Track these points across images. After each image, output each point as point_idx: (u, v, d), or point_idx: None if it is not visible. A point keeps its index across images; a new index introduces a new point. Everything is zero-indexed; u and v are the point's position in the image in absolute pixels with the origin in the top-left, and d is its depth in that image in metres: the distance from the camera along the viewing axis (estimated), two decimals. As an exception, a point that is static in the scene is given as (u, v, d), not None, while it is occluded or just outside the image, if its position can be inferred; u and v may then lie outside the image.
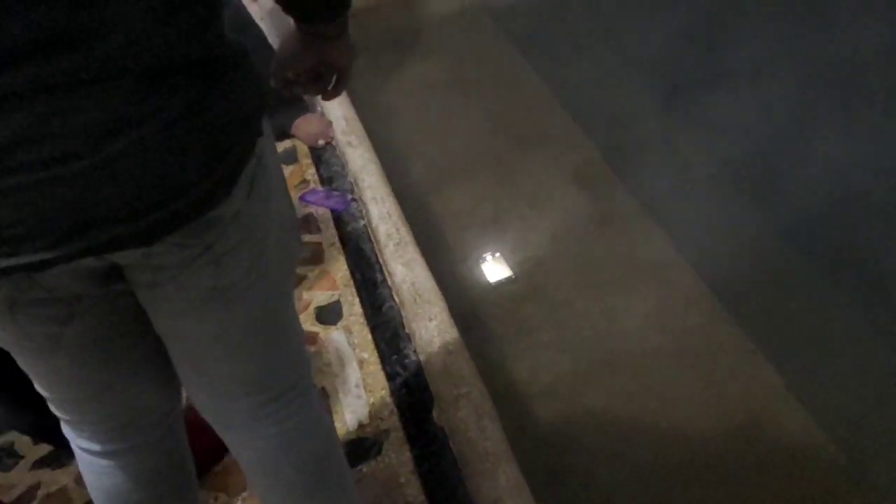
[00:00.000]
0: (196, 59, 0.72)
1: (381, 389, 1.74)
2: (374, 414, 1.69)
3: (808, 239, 2.09)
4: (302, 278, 2.06)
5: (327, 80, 1.10)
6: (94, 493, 1.13)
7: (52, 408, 1.04)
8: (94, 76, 0.66)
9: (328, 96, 1.13)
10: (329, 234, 2.21)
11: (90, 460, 1.10)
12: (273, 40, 2.49)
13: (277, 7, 0.97)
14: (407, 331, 1.85)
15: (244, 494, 1.55)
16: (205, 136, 0.74)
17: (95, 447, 1.08)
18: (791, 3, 2.40)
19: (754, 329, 1.88)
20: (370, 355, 1.82)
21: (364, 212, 2.22)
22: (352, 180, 2.35)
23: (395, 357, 1.80)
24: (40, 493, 1.62)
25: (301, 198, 2.33)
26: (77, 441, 1.09)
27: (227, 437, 1.12)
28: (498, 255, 2.25)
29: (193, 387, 1.04)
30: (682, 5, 3.15)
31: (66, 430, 1.09)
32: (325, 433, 1.15)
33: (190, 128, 0.72)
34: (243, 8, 2.33)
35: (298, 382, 1.08)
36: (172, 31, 0.69)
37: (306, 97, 2.61)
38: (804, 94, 2.33)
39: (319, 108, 2.65)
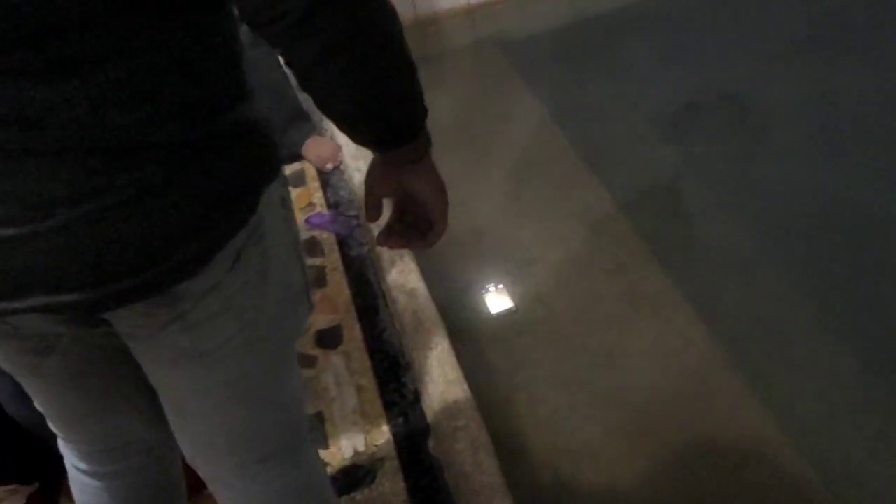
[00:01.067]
0: (167, 141, 0.69)
1: (377, 417, 1.74)
2: (370, 441, 1.69)
3: (814, 283, 2.11)
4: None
5: (418, 220, 0.95)
6: None
7: (48, 423, 1.05)
8: (48, 149, 0.64)
9: (416, 244, 0.95)
10: (333, 259, 2.22)
11: (78, 477, 1.11)
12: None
13: None
14: (407, 359, 1.85)
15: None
16: (163, 218, 0.70)
17: (83, 466, 1.08)
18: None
19: (751, 372, 1.88)
20: (368, 382, 1.82)
21: (369, 237, 2.23)
22: (358, 205, 2.36)
23: (393, 385, 1.80)
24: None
25: (306, 221, 2.34)
26: (68, 457, 1.10)
27: (211, 488, 1.10)
28: (500, 286, 2.26)
29: (178, 434, 1.02)
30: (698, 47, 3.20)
31: (60, 445, 1.10)
32: (317, 494, 1.13)
33: (146, 208, 0.69)
34: (283, 75, 2.33)
35: (289, 443, 1.05)
36: (140, 114, 0.66)
37: (315, 119, 2.63)
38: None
39: (329, 132, 2.67)
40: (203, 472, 1.07)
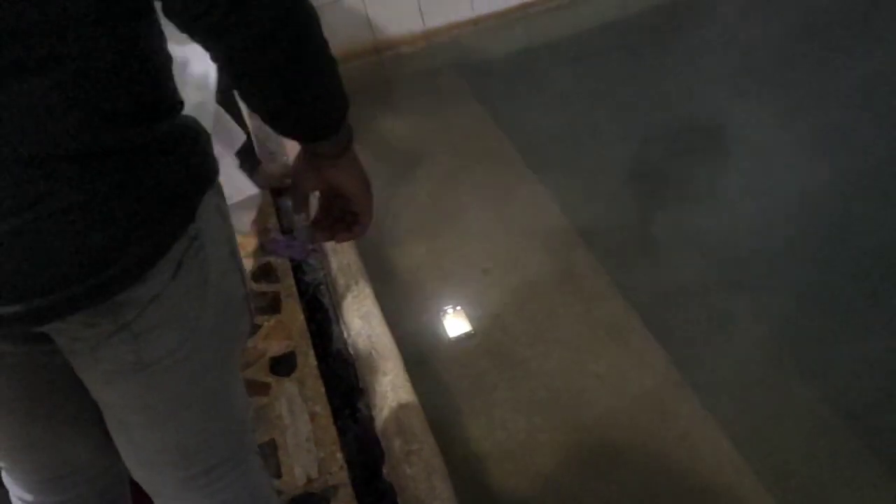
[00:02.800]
0: (103, 149, 0.70)
1: (331, 444, 1.71)
2: (324, 469, 1.66)
3: (771, 305, 2.13)
4: (257, 327, 2.04)
5: (344, 213, 0.99)
6: None
7: None
8: None
9: (342, 237, 1.01)
10: (287, 284, 2.19)
11: None
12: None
13: None
14: (361, 385, 1.83)
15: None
16: (102, 226, 0.72)
17: (29, 498, 1.06)
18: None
19: (706, 393, 1.89)
20: (322, 409, 1.80)
21: (323, 263, 2.22)
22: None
23: (347, 411, 1.79)
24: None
25: (260, 246, 2.32)
26: (12, 488, 1.07)
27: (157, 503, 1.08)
28: (458, 309, 2.25)
29: (122, 451, 1.01)
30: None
31: (3, 477, 1.07)
32: None
33: (83, 216, 0.70)
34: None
35: (234, 456, 1.04)
36: (74, 122, 0.68)
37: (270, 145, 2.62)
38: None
39: (285, 158, 2.66)
40: (148, 488, 1.05)
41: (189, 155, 0.80)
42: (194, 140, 0.82)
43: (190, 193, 0.80)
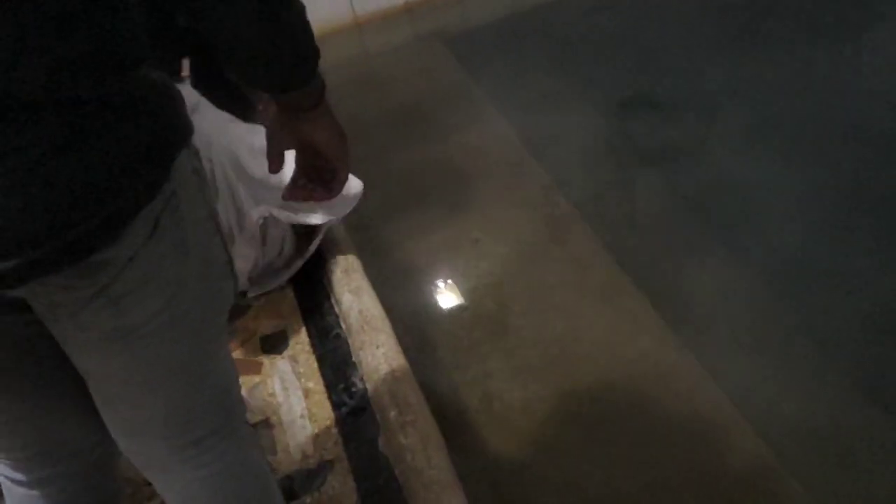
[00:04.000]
0: (73, 98, 0.68)
1: (326, 419, 1.70)
2: (319, 444, 1.65)
3: (767, 265, 2.11)
4: (247, 308, 2.02)
5: (321, 171, 0.98)
6: None
7: None
8: None
9: (320, 195, 1.00)
10: (276, 262, 2.17)
11: (11, 488, 1.06)
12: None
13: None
14: (354, 359, 1.82)
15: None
16: (74, 181, 0.69)
17: (15, 475, 1.04)
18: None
19: (703, 352, 1.88)
20: (316, 384, 1.78)
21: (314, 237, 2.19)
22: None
23: (341, 386, 1.77)
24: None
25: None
26: (0, 468, 1.05)
27: (149, 477, 1.07)
28: (449, 281, 2.24)
29: (108, 423, 0.99)
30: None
31: None
32: (256, 476, 1.10)
33: (54, 170, 0.68)
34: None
35: (223, 425, 1.02)
36: (43, 68, 0.65)
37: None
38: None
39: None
40: (137, 460, 1.04)
41: (161, 111, 0.78)
42: (167, 96, 0.80)
43: (164, 149, 0.78)
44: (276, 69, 0.86)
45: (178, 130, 0.81)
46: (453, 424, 1.77)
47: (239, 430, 1.06)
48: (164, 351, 0.89)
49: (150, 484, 1.48)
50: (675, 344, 1.92)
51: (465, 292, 2.19)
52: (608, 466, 1.69)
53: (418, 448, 1.51)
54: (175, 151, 0.80)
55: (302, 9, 0.84)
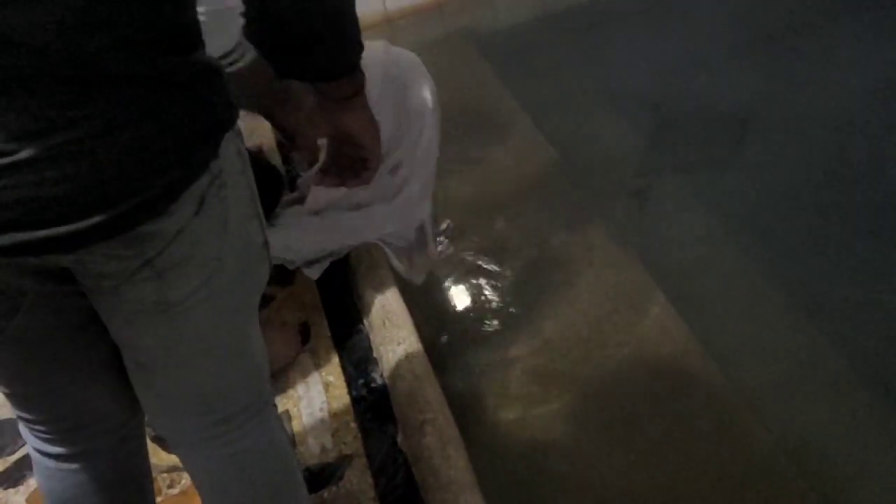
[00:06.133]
0: (131, 73, 0.71)
1: (345, 414, 1.70)
2: (338, 439, 1.65)
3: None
4: (271, 298, 2.02)
5: (352, 160, 1.04)
6: (45, 496, 1.11)
7: (10, 403, 1.03)
8: (21, 76, 0.66)
9: (352, 183, 1.07)
10: (300, 255, 2.17)
11: (42, 461, 1.08)
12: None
13: None
14: (375, 355, 1.81)
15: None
16: (131, 152, 0.72)
17: (47, 448, 1.06)
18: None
19: (725, 362, 1.86)
20: (336, 379, 1.78)
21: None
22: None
23: (361, 381, 1.77)
24: (-11, 513, 1.57)
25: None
26: (30, 440, 1.07)
27: (178, 455, 1.10)
28: (473, 280, 2.23)
29: (143, 399, 1.02)
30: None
31: (21, 428, 1.08)
32: (281, 456, 1.12)
33: (114, 141, 0.71)
34: None
35: (253, 403, 1.05)
36: (103, 43, 0.68)
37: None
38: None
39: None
40: (167, 435, 1.07)
41: (213, 91, 0.81)
42: (218, 77, 0.83)
43: (213, 130, 0.81)
44: (324, 59, 0.92)
45: (227, 111, 0.84)
46: (474, 425, 1.77)
47: (267, 409, 1.08)
48: (200, 326, 0.91)
49: (169, 471, 1.51)
50: (698, 350, 1.90)
51: (488, 292, 2.18)
52: (626, 470, 1.68)
53: (437, 447, 1.50)
54: (223, 132, 0.83)
55: (353, 4, 0.90)
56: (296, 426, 1.69)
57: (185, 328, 0.90)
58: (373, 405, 1.70)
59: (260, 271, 1.00)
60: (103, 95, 0.69)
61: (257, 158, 1.81)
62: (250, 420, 1.04)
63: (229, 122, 0.85)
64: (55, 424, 1.04)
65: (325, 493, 1.54)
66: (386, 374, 1.74)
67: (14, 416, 1.07)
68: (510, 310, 2.12)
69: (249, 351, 1.02)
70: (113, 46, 0.69)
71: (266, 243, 1.00)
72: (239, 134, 0.91)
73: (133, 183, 0.73)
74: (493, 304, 2.14)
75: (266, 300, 2.02)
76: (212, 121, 0.81)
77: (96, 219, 0.72)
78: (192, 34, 0.79)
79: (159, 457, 1.61)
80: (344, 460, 1.59)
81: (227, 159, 0.85)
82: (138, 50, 0.71)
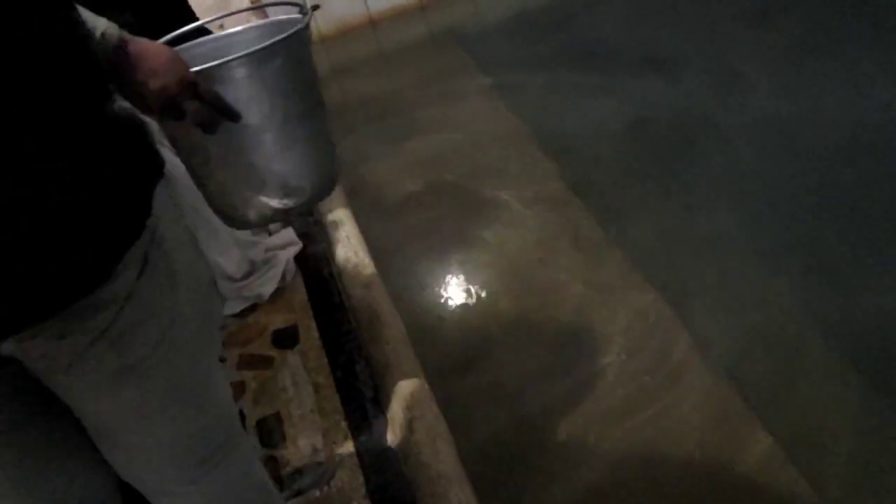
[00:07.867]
0: (47, 139, 0.67)
1: (335, 413, 1.71)
2: (329, 439, 1.66)
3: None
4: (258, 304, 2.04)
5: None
6: None
7: None
8: None
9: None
10: (288, 258, 2.18)
11: None
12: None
13: None
14: (363, 353, 1.82)
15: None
16: (53, 228, 0.68)
17: None
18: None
19: (713, 347, 1.88)
20: (325, 379, 1.79)
21: (324, 235, 2.20)
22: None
23: (350, 381, 1.78)
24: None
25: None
26: None
27: (153, 501, 1.05)
28: (460, 278, 2.24)
29: (108, 457, 0.97)
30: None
31: None
32: (256, 486, 1.11)
33: (34, 217, 0.67)
34: None
35: (227, 440, 1.03)
36: (21, 108, 0.65)
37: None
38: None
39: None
40: (143, 487, 1.02)
41: (137, 144, 0.79)
42: (140, 129, 0.80)
43: (144, 184, 0.79)
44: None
45: (154, 162, 0.81)
46: (462, 420, 1.78)
47: (241, 442, 1.06)
48: (168, 379, 0.89)
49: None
50: (688, 341, 1.92)
51: (474, 289, 2.20)
52: (615, 461, 1.69)
53: (425, 442, 1.52)
54: (153, 186, 0.80)
55: None
56: (287, 428, 1.70)
57: (152, 383, 0.87)
58: (362, 405, 1.71)
59: (215, 307, 0.98)
60: (16, 164, 0.65)
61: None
62: (227, 456, 1.02)
63: (158, 172, 0.82)
64: None
65: (317, 493, 1.55)
66: (375, 372, 1.75)
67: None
68: (500, 307, 2.13)
69: (216, 391, 1.00)
70: (31, 111, 0.65)
71: (212, 280, 0.98)
72: (169, 179, 0.87)
73: (61, 258, 0.70)
74: (483, 302, 2.15)
75: (254, 304, 2.04)
76: (140, 176, 0.78)
77: (27, 301, 0.68)
78: (103, 84, 0.75)
79: None
80: (335, 460, 1.60)
81: (162, 211, 0.82)
82: (58, 108, 0.68)
